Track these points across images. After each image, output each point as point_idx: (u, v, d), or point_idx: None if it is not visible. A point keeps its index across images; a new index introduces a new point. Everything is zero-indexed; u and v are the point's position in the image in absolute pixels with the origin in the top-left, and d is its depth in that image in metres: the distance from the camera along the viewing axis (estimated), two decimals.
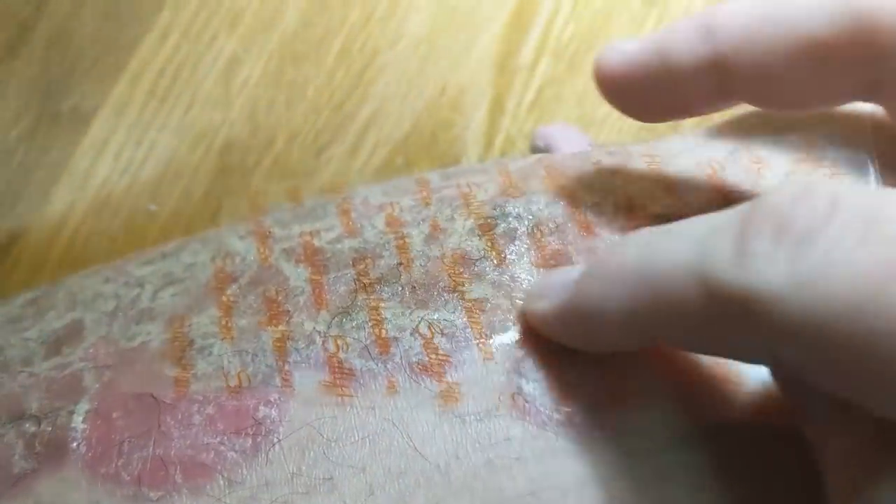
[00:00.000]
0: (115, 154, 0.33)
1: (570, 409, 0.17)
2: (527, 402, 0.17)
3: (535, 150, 0.33)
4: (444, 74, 0.36)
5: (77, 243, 0.32)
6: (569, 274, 0.17)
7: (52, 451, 0.18)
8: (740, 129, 0.21)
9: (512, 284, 0.19)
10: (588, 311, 0.16)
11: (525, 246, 0.19)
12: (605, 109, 0.37)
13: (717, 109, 0.19)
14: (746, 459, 0.16)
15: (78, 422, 0.18)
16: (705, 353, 0.16)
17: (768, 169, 0.20)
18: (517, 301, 0.18)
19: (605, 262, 0.16)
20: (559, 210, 0.20)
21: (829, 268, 0.12)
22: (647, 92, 0.19)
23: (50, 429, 0.18)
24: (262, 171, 0.34)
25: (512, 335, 0.18)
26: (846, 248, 0.12)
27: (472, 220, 0.20)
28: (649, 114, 0.20)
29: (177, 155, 0.33)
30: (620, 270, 0.15)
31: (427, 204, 0.21)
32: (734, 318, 0.13)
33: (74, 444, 0.18)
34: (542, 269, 0.19)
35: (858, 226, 0.12)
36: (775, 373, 0.15)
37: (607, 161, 0.21)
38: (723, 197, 0.20)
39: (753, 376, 0.17)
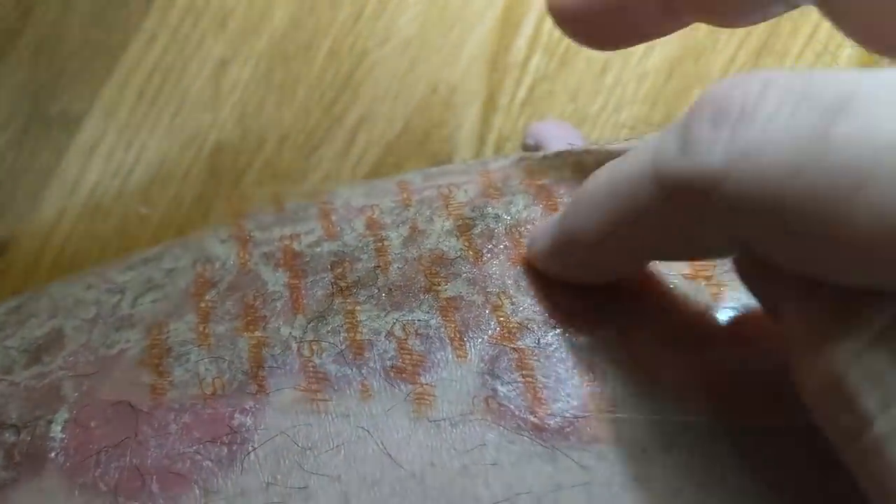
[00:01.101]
0: (106, 158, 0.33)
1: (545, 413, 0.16)
2: (501, 405, 0.17)
3: (526, 148, 0.33)
4: (435, 73, 0.36)
5: (69, 248, 0.33)
6: (558, 214, 0.18)
7: (31, 461, 0.18)
8: None
9: (487, 282, 0.18)
10: (573, 236, 0.17)
11: (503, 245, 0.19)
12: (599, 105, 0.37)
13: (669, 31, 0.20)
14: (725, 461, 0.16)
15: (57, 431, 0.18)
16: (677, 256, 0.16)
17: None
18: (492, 297, 0.18)
19: (582, 189, 0.16)
20: (538, 213, 0.20)
21: (766, 140, 0.12)
22: (598, 18, 0.19)
23: (29, 438, 0.18)
24: (253, 173, 0.34)
25: (486, 332, 0.18)
26: (780, 120, 0.12)
27: (450, 221, 0.20)
28: (602, 41, 0.20)
29: (167, 158, 0.33)
30: (594, 191, 0.16)
31: (407, 206, 0.21)
32: (688, 207, 0.13)
33: (53, 454, 0.18)
34: (518, 268, 0.19)
35: (790, 99, 0.12)
36: (741, 268, 0.16)
37: (587, 160, 0.21)
38: None
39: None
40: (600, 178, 0.16)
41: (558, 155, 0.22)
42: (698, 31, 0.36)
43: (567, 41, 0.36)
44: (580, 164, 0.21)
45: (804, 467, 0.16)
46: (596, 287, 0.18)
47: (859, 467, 0.12)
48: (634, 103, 0.36)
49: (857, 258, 0.12)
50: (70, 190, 0.33)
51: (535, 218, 0.20)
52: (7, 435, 0.18)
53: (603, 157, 0.21)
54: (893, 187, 0.11)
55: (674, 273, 0.18)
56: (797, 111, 0.12)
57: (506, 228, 0.19)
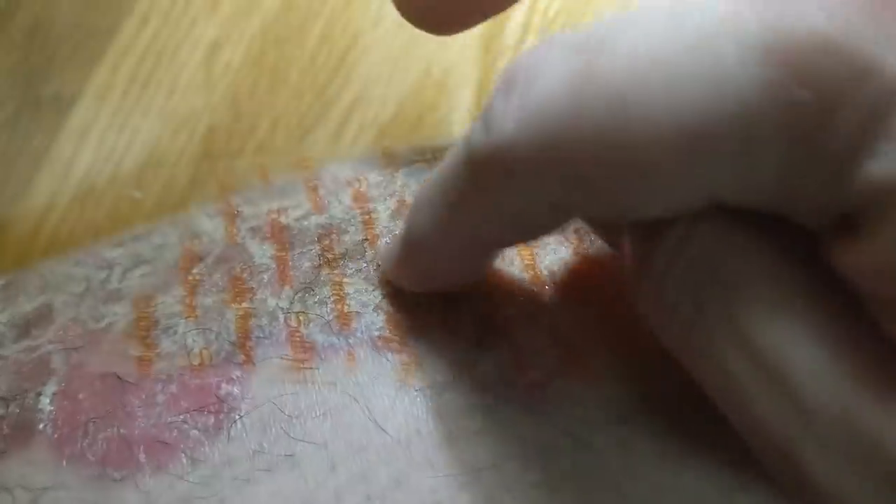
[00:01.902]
0: (98, 141, 0.33)
1: (530, 380, 0.16)
2: (487, 372, 0.17)
3: None
4: (429, 55, 0.36)
5: (61, 233, 0.32)
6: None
7: (20, 433, 0.18)
8: None
9: None
10: (415, 241, 0.16)
11: None
12: None
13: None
14: (709, 426, 0.16)
15: (45, 403, 0.18)
16: (513, 240, 0.16)
17: None
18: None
19: (418, 192, 0.17)
20: None
21: (546, 96, 0.12)
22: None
23: (18, 410, 0.18)
24: (246, 157, 0.34)
25: (472, 306, 0.18)
26: (555, 74, 0.12)
27: None
28: (447, 24, 0.21)
29: (160, 141, 0.33)
30: (427, 190, 0.16)
31: (394, 179, 0.21)
32: (501, 185, 0.14)
33: (41, 426, 0.18)
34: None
35: (563, 53, 0.12)
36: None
37: None
38: None
39: None
40: (432, 177, 0.16)
41: None
42: None
43: (562, 24, 0.36)
44: None
45: None
46: (575, 261, 0.18)
47: (701, 372, 0.13)
48: None
49: (644, 186, 0.12)
50: (62, 174, 0.33)
51: None
52: None
53: None
54: (654, 96, 0.11)
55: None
56: (567, 61, 0.12)
57: None
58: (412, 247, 0.17)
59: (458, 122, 0.36)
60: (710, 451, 0.16)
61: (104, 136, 0.33)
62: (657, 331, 0.14)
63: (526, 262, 0.18)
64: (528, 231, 0.15)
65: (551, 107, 0.12)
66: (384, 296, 0.18)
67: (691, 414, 0.16)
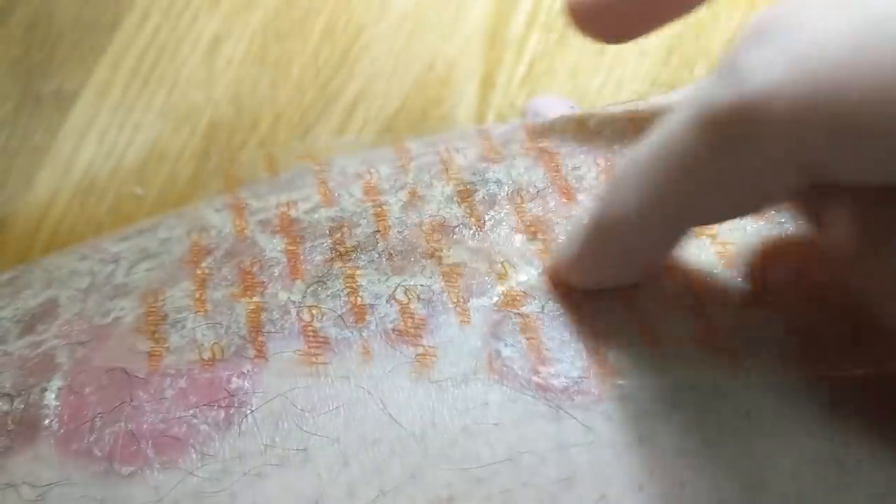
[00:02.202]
0: (99, 137, 0.33)
1: (549, 373, 0.16)
2: (505, 365, 0.16)
3: None
4: (433, 50, 0.35)
5: (63, 229, 0.32)
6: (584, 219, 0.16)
7: (25, 429, 0.17)
8: None
9: (491, 249, 0.18)
10: (611, 220, 0.15)
11: (505, 211, 0.19)
12: (599, 82, 0.36)
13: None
14: (731, 420, 0.16)
15: (51, 399, 0.18)
16: (730, 213, 0.14)
17: None
18: (496, 265, 0.18)
19: (618, 169, 0.15)
20: (539, 174, 0.19)
21: (818, 44, 0.11)
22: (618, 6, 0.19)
23: (23, 406, 0.18)
24: (248, 153, 0.33)
25: (490, 299, 0.17)
26: (827, 24, 0.12)
27: (451, 187, 0.20)
28: (625, 32, 0.19)
29: (161, 137, 0.33)
30: (634, 164, 0.15)
31: (406, 171, 0.21)
32: (744, 144, 0.12)
33: (47, 421, 0.17)
34: (521, 235, 0.18)
35: (831, 2, 0.12)
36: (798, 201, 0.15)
37: (590, 122, 0.21)
38: None
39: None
40: (637, 151, 0.15)
41: (560, 118, 0.22)
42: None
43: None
44: (582, 126, 0.21)
45: (809, 421, 0.15)
46: None
47: None
48: (635, 81, 0.36)
49: None
50: (64, 170, 0.32)
51: (536, 181, 0.19)
52: (0, 403, 0.18)
53: (605, 119, 0.21)
54: None
55: None
56: (843, 10, 0.11)
57: (507, 193, 0.19)
58: (607, 230, 0.15)
59: (462, 117, 0.36)
60: (734, 444, 0.15)
61: (105, 132, 0.33)
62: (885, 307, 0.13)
63: (541, 252, 0.18)
64: (756, 202, 0.14)
65: (828, 52, 0.11)
66: (398, 286, 0.18)
67: (715, 412, 0.16)
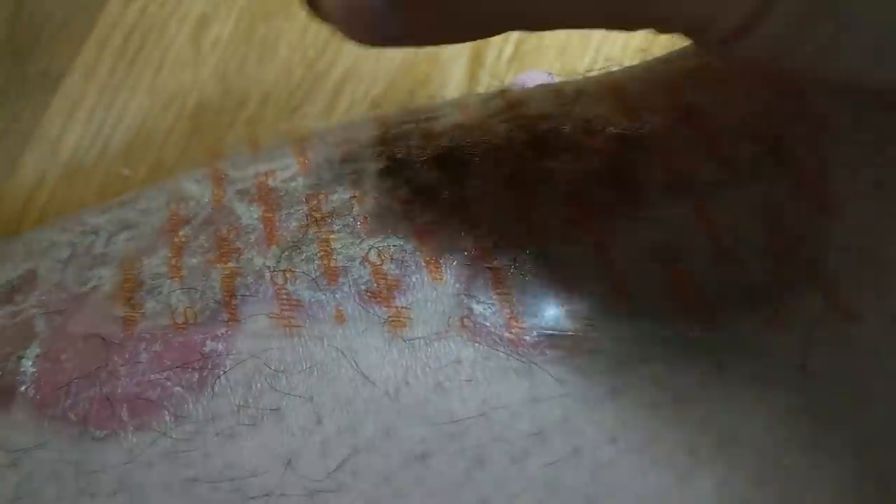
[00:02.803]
0: (86, 119, 0.33)
1: (521, 329, 0.16)
2: (477, 322, 0.16)
3: None
4: None
5: (50, 211, 0.32)
6: None
7: (0, 396, 0.17)
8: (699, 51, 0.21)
9: (463, 205, 0.18)
10: None
11: (480, 169, 0.19)
12: (588, 60, 0.36)
13: None
14: (704, 373, 0.16)
15: (27, 366, 0.18)
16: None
17: (728, 85, 0.19)
18: (468, 220, 0.18)
19: None
20: (517, 135, 0.19)
21: None
22: None
23: (0, 374, 0.18)
24: (236, 133, 0.33)
25: (462, 254, 0.17)
26: None
27: (428, 151, 0.20)
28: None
29: (149, 118, 0.33)
30: None
31: (384, 140, 0.21)
32: None
33: (23, 388, 0.17)
34: (494, 192, 0.18)
35: None
36: None
37: (567, 89, 0.21)
38: (683, 115, 0.19)
39: None
40: None
41: (538, 87, 0.22)
42: None
43: None
44: (560, 94, 0.21)
45: (782, 373, 0.15)
46: (570, 201, 0.17)
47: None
48: (626, 51, 0.35)
49: None
50: (50, 152, 0.32)
51: (515, 143, 0.19)
52: None
53: (581, 85, 0.21)
54: None
55: (651, 183, 0.18)
56: None
57: (482, 153, 0.19)
58: None
59: (450, 97, 0.35)
60: (707, 398, 0.15)
61: (92, 113, 0.33)
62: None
63: (519, 212, 0.18)
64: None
65: None
66: (371, 248, 0.18)
67: (688, 365, 0.16)
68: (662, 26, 0.13)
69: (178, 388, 0.17)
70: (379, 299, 0.17)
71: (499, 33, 0.14)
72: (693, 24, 0.12)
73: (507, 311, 0.16)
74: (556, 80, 0.29)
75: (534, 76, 0.31)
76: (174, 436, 0.16)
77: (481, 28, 0.14)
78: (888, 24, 0.11)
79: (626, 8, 0.12)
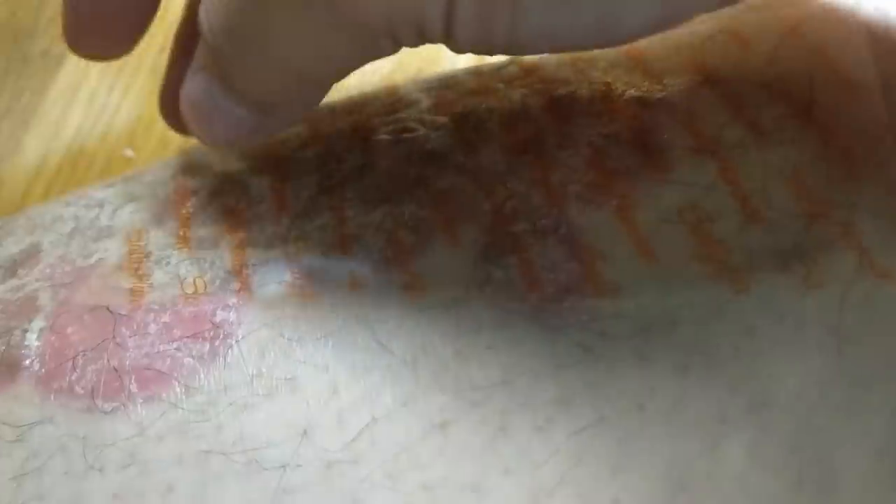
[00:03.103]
0: (88, 100, 0.32)
1: (541, 294, 0.16)
2: (496, 288, 0.16)
3: None
4: None
5: (52, 193, 0.32)
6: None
7: (5, 370, 0.17)
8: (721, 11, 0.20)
9: (479, 170, 0.17)
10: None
11: (494, 133, 0.18)
12: None
13: None
14: (732, 335, 0.15)
15: (32, 339, 0.17)
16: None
17: (751, 49, 0.19)
18: (485, 186, 0.17)
19: None
20: (534, 101, 0.19)
21: None
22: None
23: (3, 348, 0.17)
24: None
25: (479, 221, 0.17)
26: None
27: (442, 119, 0.19)
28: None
29: (152, 99, 0.32)
30: None
31: (396, 108, 0.20)
32: None
33: (28, 362, 0.17)
34: (518, 157, 0.18)
35: None
36: None
37: (584, 55, 0.20)
38: (705, 78, 0.18)
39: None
40: None
41: (554, 55, 0.21)
42: None
43: None
44: (577, 60, 0.20)
45: (814, 338, 0.15)
46: (591, 165, 0.17)
47: None
48: None
49: None
50: (52, 133, 0.32)
51: (531, 107, 0.19)
52: None
53: (599, 52, 0.20)
54: None
55: (676, 146, 0.17)
56: None
57: (498, 118, 0.19)
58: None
59: None
60: (737, 363, 0.15)
61: (94, 94, 0.32)
62: None
63: (537, 176, 0.17)
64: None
65: None
66: (386, 215, 0.17)
67: (716, 325, 0.15)
68: (399, 42, 0.15)
69: (188, 359, 0.16)
70: (394, 266, 0.16)
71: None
72: (421, 35, 0.14)
73: (528, 275, 0.16)
74: None
75: None
76: (185, 407, 0.16)
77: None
78: None
79: (373, 42, 0.15)
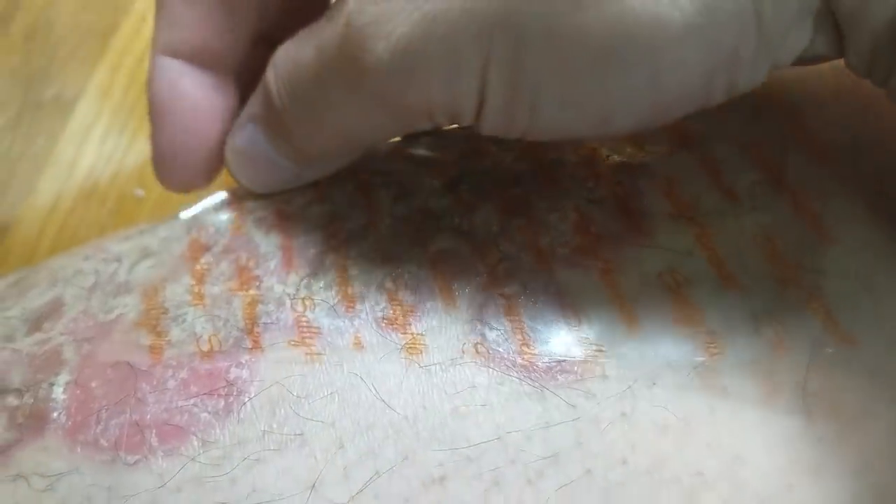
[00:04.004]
0: (100, 141, 0.33)
1: (533, 355, 0.17)
2: (490, 348, 0.17)
3: None
4: None
5: (66, 233, 0.33)
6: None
7: (34, 422, 0.18)
8: None
9: (475, 232, 0.19)
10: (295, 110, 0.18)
11: (490, 195, 0.19)
12: None
13: None
14: (711, 398, 0.16)
15: (58, 393, 0.18)
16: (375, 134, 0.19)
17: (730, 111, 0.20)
18: (479, 248, 0.18)
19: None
20: (524, 164, 0.20)
21: None
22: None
23: (32, 401, 0.18)
24: None
25: (475, 281, 0.18)
26: None
27: (438, 180, 0.20)
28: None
29: None
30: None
31: (397, 168, 0.21)
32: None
33: (55, 414, 0.18)
34: (505, 215, 0.19)
35: None
36: None
37: None
38: (684, 142, 0.20)
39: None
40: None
41: None
42: None
43: None
44: None
45: (785, 399, 0.16)
46: (578, 229, 0.18)
47: None
48: None
49: None
50: (66, 174, 0.33)
51: (522, 171, 0.20)
52: (10, 399, 0.19)
53: None
54: None
55: (656, 212, 0.18)
56: None
57: (494, 180, 0.20)
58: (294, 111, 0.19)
59: None
60: (712, 421, 0.16)
61: (106, 135, 0.33)
62: None
63: (528, 239, 0.18)
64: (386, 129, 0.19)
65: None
66: (386, 275, 0.18)
67: (694, 385, 0.16)
68: (435, 123, 0.17)
69: (205, 415, 0.17)
70: (395, 326, 0.18)
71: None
72: (453, 119, 0.17)
73: (519, 337, 0.17)
74: None
75: None
76: (202, 461, 0.17)
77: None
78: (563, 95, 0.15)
79: (413, 121, 0.17)
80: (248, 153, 0.20)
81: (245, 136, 0.20)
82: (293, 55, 0.18)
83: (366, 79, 0.16)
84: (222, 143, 0.21)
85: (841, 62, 0.17)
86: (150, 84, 0.21)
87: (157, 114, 0.21)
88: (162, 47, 0.21)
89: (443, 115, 0.17)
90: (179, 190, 0.22)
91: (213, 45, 0.20)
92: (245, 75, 0.21)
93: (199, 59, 0.21)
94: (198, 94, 0.21)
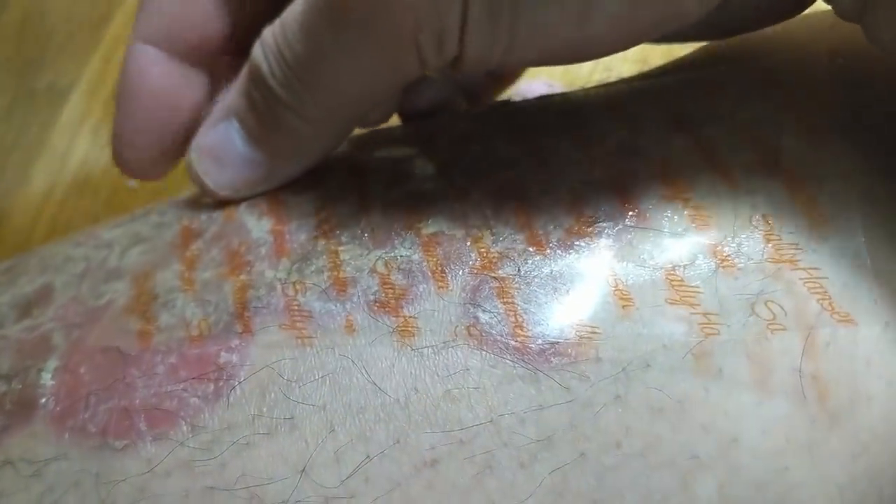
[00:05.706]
0: (93, 132, 0.33)
1: (526, 337, 0.17)
2: (483, 331, 0.17)
3: None
4: None
5: (59, 223, 0.33)
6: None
7: (21, 408, 0.18)
8: (695, 60, 0.21)
9: (468, 215, 0.18)
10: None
11: (483, 178, 0.19)
12: (588, 67, 0.37)
13: None
14: (703, 380, 0.16)
15: (46, 378, 0.18)
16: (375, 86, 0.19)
17: (725, 93, 0.20)
18: (473, 231, 0.18)
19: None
20: (517, 148, 0.20)
21: None
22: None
23: (20, 387, 0.18)
24: None
25: (467, 264, 0.18)
26: None
27: (431, 165, 0.20)
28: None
29: None
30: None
31: (390, 154, 0.21)
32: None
33: (43, 400, 0.18)
34: (503, 202, 0.19)
35: None
36: None
37: (565, 104, 0.21)
38: (679, 124, 0.19)
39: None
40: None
41: (537, 100, 0.22)
42: None
43: None
44: (558, 108, 0.21)
45: (779, 380, 0.16)
46: (572, 211, 0.18)
47: None
48: (625, 63, 0.36)
49: None
50: (59, 165, 0.33)
51: (515, 154, 0.20)
52: None
53: (580, 98, 0.21)
54: None
55: (650, 194, 0.18)
56: None
57: (487, 164, 0.20)
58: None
59: None
60: (707, 402, 0.16)
61: (99, 126, 0.33)
62: None
63: (521, 221, 0.18)
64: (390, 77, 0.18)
65: None
66: (379, 259, 0.18)
67: (688, 366, 0.16)
68: (423, 59, 0.17)
69: (194, 399, 0.17)
70: (387, 309, 0.17)
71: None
72: (440, 45, 0.17)
73: (513, 319, 0.17)
74: (557, 89, 0.30)
75: (535, 87, 0.31)
76: (191, 445, 0.16)
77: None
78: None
79: (402, 55, 0.17)
80: (218, 151, 0.20)
81: (217, 134, 0.20)
82: (281, 20, 0.18)
83: (350, 3, 0.16)
84: (182, 136, 0.21)
85: (837, 44, 0.16)
86: (122, 67, 0.21)
87: (121, 96, 0.21)
88: (140, 34, 0.21)
89: (430, 42, 0.16)
90: (134, 175, 0.23)
91: (188, 35, 0.20)
92: (216, 75, 0.21)
93: (174, 47, 0.21)
94: (165, 83, 0.21)
